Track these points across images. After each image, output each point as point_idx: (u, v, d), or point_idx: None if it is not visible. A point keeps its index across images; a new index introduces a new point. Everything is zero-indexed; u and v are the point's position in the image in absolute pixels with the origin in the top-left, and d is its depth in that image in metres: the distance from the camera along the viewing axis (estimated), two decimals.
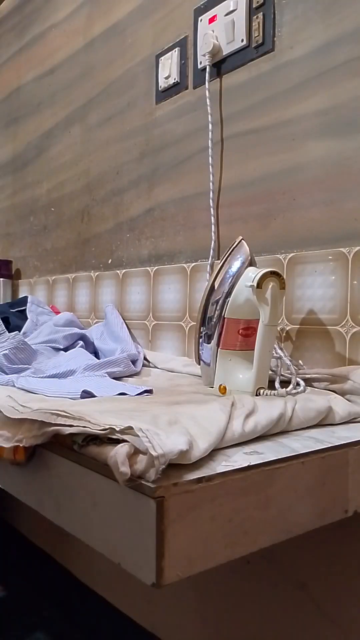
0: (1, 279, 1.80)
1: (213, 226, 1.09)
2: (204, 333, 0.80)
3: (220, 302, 0.76)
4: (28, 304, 1.41)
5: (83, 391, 0.73)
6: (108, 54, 1.44)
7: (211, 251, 1.09)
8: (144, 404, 0.69)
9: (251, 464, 0.48)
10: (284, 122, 0.97)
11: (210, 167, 1.08)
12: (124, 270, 1.37)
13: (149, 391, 0.80)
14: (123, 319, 1.32)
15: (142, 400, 0.71)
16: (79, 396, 0.73)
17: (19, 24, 1.91)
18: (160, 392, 0.81)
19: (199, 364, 0.83)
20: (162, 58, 1.23)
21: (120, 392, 0.77)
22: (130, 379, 1.00)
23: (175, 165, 1.22)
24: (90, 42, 1.52)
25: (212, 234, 1.09)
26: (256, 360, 0.74)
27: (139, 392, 0.78)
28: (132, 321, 1.32)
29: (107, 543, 0.47)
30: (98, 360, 1.00)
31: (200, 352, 0.82)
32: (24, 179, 1.86)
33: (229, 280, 0.75)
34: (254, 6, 1.01)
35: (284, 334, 0.95)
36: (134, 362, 1.08)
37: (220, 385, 0.77)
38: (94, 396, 0.73)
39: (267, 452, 0.53)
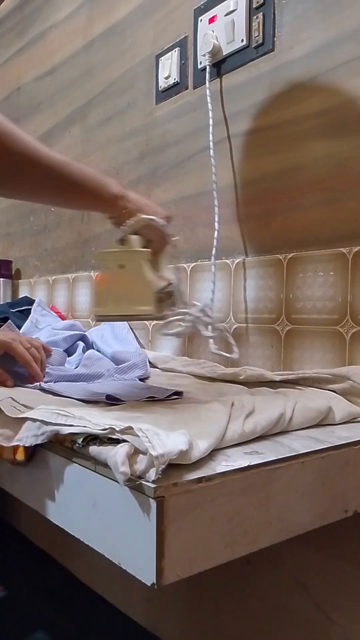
0: (1, 279, 1.80)
1: (213, 226, 1.09)
2: None
3: None
4: (34, 305, 1.41)
5: (107, 396, 0.68)
6: (108, 54, 1.44)
7: (212, 251, 1.09)
8: (145, 404, 0.69)
9: (251, 464, 0.48)
10: (284, 122, 0.96)
11: (212, 167, 1.08)
12: None
13: (179, 393, 0.75)
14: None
15: (142, 401, 0.71)
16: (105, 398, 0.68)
17: (19, 24, 1.91)
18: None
19: None
20: (162, 58, 1.23)
21: (149, 396, 0.71)
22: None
23: (176, 166, 1.22)
24: (90, 42, 1.52)
25: (213, 233, 1.08)
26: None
27: (168, 394, 0.73)
28: (132, 321, 1.32)
29: (107, 543, 0.47)
30: (125, 364, 0.96)
31: None
32: None
33: None
34: (254, 6, 1.01)
35: (284, 334, 0.95)
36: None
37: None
38: (121, 401, 0.67)
39: (267, 452, 0.53)
